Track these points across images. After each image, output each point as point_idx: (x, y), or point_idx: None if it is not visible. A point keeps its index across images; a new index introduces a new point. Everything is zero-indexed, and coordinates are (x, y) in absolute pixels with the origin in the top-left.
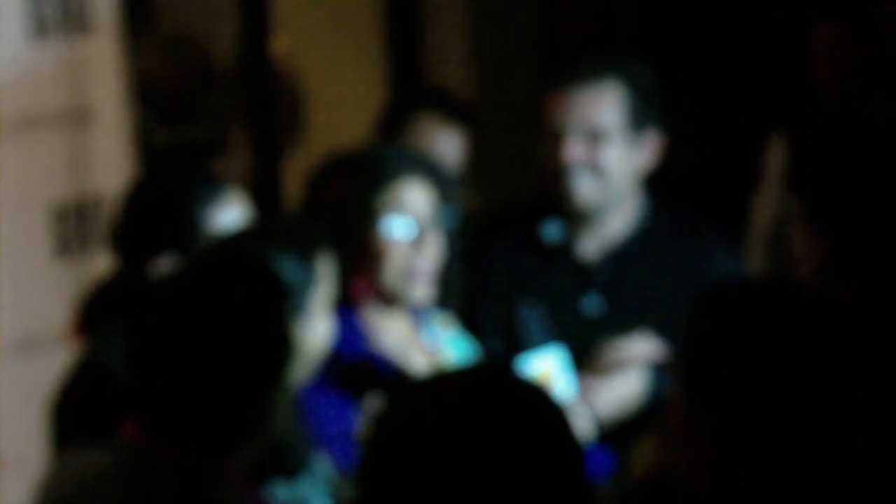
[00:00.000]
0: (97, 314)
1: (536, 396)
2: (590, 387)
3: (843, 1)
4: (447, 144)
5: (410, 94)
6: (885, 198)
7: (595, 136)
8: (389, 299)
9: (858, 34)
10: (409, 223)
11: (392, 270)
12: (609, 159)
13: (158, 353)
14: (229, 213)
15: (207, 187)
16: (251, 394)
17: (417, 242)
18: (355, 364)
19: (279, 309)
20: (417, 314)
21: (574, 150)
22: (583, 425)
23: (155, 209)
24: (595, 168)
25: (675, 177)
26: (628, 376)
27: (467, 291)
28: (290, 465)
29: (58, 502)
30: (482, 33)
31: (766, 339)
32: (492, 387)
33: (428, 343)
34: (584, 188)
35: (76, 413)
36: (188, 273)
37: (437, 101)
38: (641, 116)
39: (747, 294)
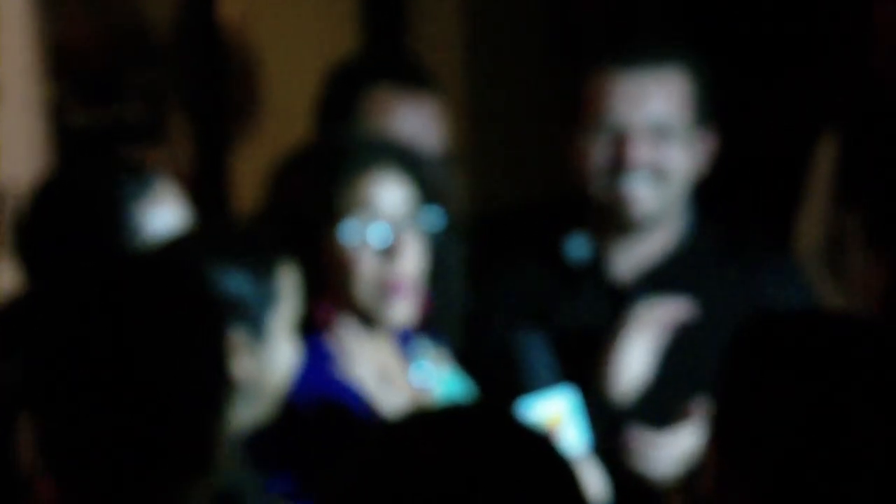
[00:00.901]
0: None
1: (539, 447)
2: (647, 441)
3: None
4: (414, 121)
5: (354, 66)
6: None
7: (661, 133)
8: (364, 320)
9: None
10: (380, 226)
11: (361, 284)
12: (675, 161)
13: (70, 389)
14: (162, 213)
15: (135, 180)
16: (187, 430)
17: (391, 249)
18: (315, 403)
19: (219, 329)
20: (405, 343)
21: (639, 150)
22: (594, 483)
23: (69, 206)
24: (659, 171)
25: (715, 184)
26: (690, 429)
27: (469, 316)
28: None
29: None
30: (481, 12)
31: (819, 386)
32: (484, 433)
33: (414, 379)
34: (646, 195)
35: None
36: (108, 288)
37: (388, 69)
38: (704, 111)
39: (797, 330)
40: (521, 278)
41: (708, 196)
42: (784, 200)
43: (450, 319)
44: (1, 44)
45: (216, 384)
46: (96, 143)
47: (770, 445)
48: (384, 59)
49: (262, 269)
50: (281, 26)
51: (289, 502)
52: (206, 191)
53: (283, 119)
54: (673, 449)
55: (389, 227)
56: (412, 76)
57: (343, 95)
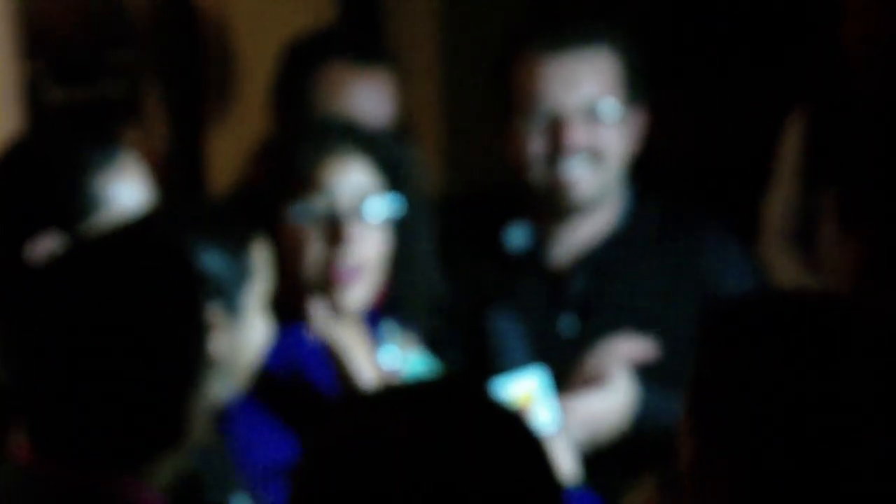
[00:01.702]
0: None
1: (510, 422)
2: (564, 407)
3: None
4: (366, 97)
5: (306, 43)
6: None
7: (595, 115)
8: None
9: None
10: (329, 210)
11: (307, 268)
12: (611, 143)
13: (46, 356)
14: (125, 186)
15: (101, 151)
16: (161, 403)
17: (338, 235)
18: (287, 379)
19: (196, 304)
20: (372, 326)
21: (576, 134)
22: (566, 462)
23: (32, 176)
24: (596, 154)
25: (668, 166)
26: (611, 388)
27: (444, 301)
28: (207, 501)
29: None
30: None
31: (794, 364)
32: (454, 407)
33: (384, 362)
34: (585, 179)
35: None
36: (82, 259)
37: (340, 45)
38: (635, 89)
39: (768, 310)
40: (461, 267)
41: (679, 179)
42: (753, 180)
43: (418, 303)
44: None
45: (193, 359)
46: (73, 121)
47: (745, 424)
48: (336, 35)
49: (236, 246)
50: (257, 7)
51: (251, 483)
52: (181, 170)
53: (258, 100)
54: (579, 413)
55: (339, 212)
56: (364, 51)
57: (296, 74)
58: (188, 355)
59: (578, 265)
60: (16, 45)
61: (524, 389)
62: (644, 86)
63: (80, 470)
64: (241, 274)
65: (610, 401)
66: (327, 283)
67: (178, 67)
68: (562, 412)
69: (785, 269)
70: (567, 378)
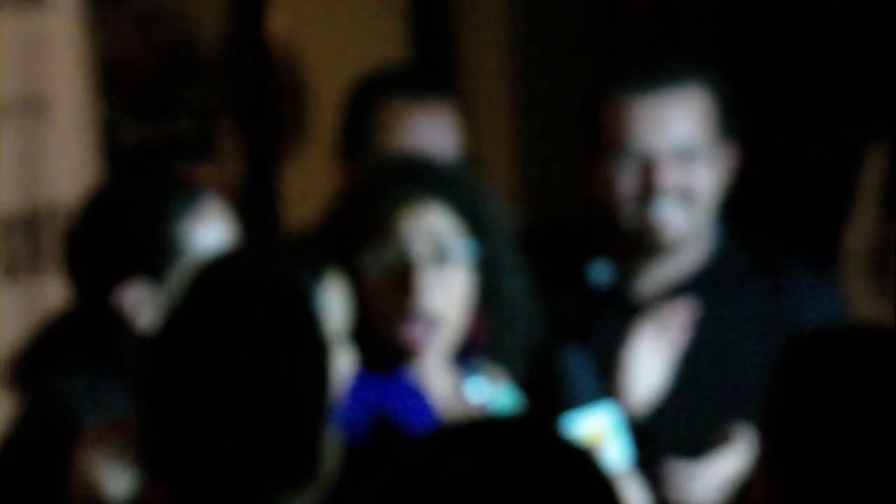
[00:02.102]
0: (46, 356)
1: (579, 462)
2: (686, 472)
3: None
4: (427, 132)
5: (368, 80)
6: None
7: (687, 156)
8: (392, 359)
9: None
10: (397, 256)
11: (378, 316)
12: (702, 182)
13: (183, 403)
14: (209, 230)
15: (184, 197)
16: (296, 446)
17: (408, 282)
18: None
19: (320, 337)
20: (463, 363)
21: (667, 175)
22: (637, 500)
23: (119, 223)
24: (688, 194)
25: (752, 199)
26: (732, 454)
27: (539, 337)
28: None
29: None
30: (527, 12)
31: (873, 402)
32: (522, 446)
33: (471, 396)
34: (677, 220)
35: (20, 479)
36: (202, 302)
37: (401, 81)
38: (726, 126)
39: (849, 345)
40: (548, 303)
41: (754, 210)
42: (833, 211)
43: (513, 344)
44: (53, 61)
45: (322, 393)
46: (148, 159)
47: (825, 468)
48: (399, 70)
49: (308, 280)
50: (329, 41)
51: None
52: (255, 207)
53: (332, 135)
54: (711, 478)
55: (412, 261)
56: (425, 85)
57: (358, 111)
58: (318, 390)
59: (666, 297)
60: (92, 83)
61: (595, 427)
62: (735, 121)
63: None
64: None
65: (732, 468)
66: (402, 348)
67: (251, 103)
68: (672, 479)
69: (864, 300)
70: (654, 415)
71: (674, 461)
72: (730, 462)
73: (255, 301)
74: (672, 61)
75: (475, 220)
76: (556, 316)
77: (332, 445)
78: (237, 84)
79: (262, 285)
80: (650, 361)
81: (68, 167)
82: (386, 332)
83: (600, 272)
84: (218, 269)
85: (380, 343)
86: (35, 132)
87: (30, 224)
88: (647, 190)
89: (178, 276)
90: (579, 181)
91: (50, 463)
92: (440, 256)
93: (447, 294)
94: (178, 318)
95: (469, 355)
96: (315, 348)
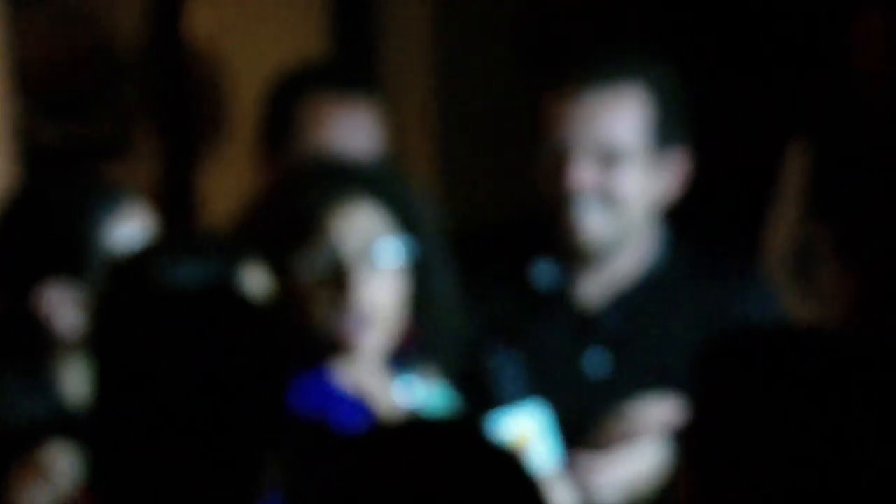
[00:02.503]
0: None
1: (508, 464)
2: (589, 466)
3: None
4: (349, 127)
5: (288, 77)
6: None
7: (611, 157)
8: (323, 354)
9: None
10: (328, 256)
11: (316, 317)
12: (626, 187)
13: (115, 408)
14: (131, 231)
15: (105, 197)
16: (237, 466)
17: (344, 282)
18: (314, 421)
19: (266, 334)
20: (396, 364)
21: (582, 174)
22: (564, 499)
23: (38, 223)
24: (608, 197)
25: (691, 200)
26: (639, 452)
27: (469, 335)
28: None
29: None
30: (450, 20)
31: (789, 403)
32: (453, 448)
33: (400, 397)
34: (593, 222)
35: None
36: (125, 304)
37: (323, 76)
38: (668, 132)
39: (764, 345)
40: (487, 302)
41: (679, 208)
42: (755, 209)
43: (442, 343)
44: None
45: (275, 386)
46: (65, 159)
47: (743, 466)
48: (320, 67)
49: (223, 270)
50: (247, 39)
51: None
52: (173, 207)
53: (252, 135)
54: (616, 473)
55: (344, 261)
56: (347, 81)
57: (278, 107)
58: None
59: (611, 305)
60: (8, 82)
61: (523, 427)
62: (684, 129)
63: None
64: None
65: (644, 462)
66: (344, 331)
67: (169, 103)
68: (584, 468)
69: (784, 302)
70: (593, 418)
71: (580, 452)
72: (639, 457)
73: (178, 299)
74: (615, 59)
75: (405, 220)
76: (496, 316)
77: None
78: (155, 83)
79: (184, 283)
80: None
81: None
82: (319, 331)
83: (544, 273)
84: (138, 267)
85: (311, 342)
86: None
87: None
88: (566, 188)
89: (99, 277)
90: (501, 178)
91: None
92: (371, 256)
93: (380, 292)
94: (102, 322)
95: (403, 356)
96: (244, 337)
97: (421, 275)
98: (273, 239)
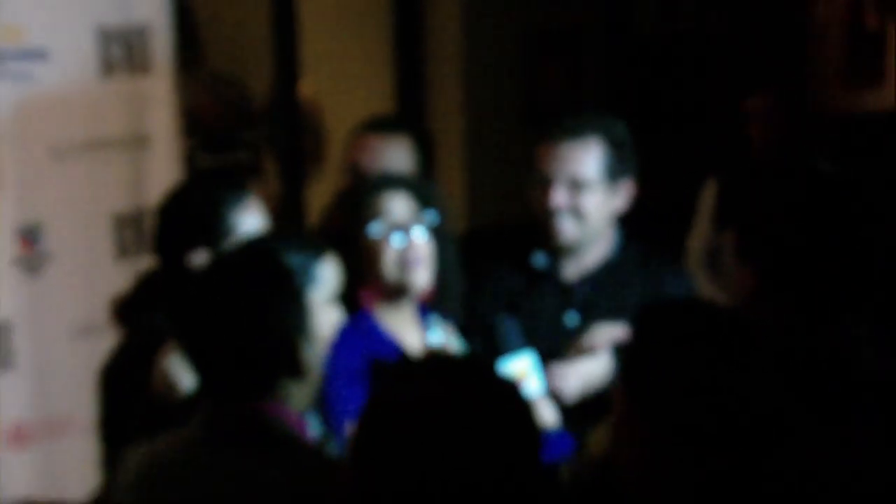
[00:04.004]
0: (137, 303)
1: (506, 388)
2: (559, 372)
3: (775, 74)
4: (391, 157)
5: (358, 126)
6: (806, 234)
7: (578, 186)
8: (393, 292)
9: (786, 102)
10: (390, 224)
11: (388, 264)
12: (589, 205)
13: (205, 328)
14: (252, 217)
15: (233, 193)
16: (280, 348)
17: (404, 237)
18: (365, 360)
19: (292, 286)
20: (423, 315)
21: (560, 197)
22: (548, 416)
23: (189, 209)
24: (577, 212)
25: (637, 213)
26: (594, 358)
27: (465, 299)
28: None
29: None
30: (475, 80)
31: (691, 351)
32: (470, 376)
33: (430, 340)
34: (567, 229)
35: (123, 380)
36: (218, 266)
37: (376, 124)
38: (617, 168)
39: (679, 313)
40: (500, 279)
41: (629, 217)
42: (681, 221)
43: (450, 301)
44: (153, 110)
45: (298, 313)
46: (216, 175)
47: (659, 390)
48: (375, 118)
49: (308, 258)
50: (340, 98)
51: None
52: (288, 214)
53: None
54: (577, 376)
55: (396, 225)
56: (390, 126)
57: (349, 143)
58: (294, 311)
59: (582, 280)
60: (178, 126)
61: (520, 366)
62: (629, 165)
63: (235, 398)
64: (309, 276)
65: (596, 366)
66: (404, 270)
67: (286, 141)
68: (550, 379)
69: (701, 287)
70: (568, 351)
71: (553, 364)
72: (593, 364)
73: (245, 262)
74: (582, 120)
75: (427, 202)
76: (508, 289)
77: (315, 358)
78: (277, 127)
79: (252, 255)
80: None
81: (162, 183)
82: (388, 274)
83: (539, 260)
84: (253, 247)
85: (379, 286)
86: (141, 158)
87: (136, 221)
88: (548, 207)
89: (229, 248)
90: (511, 197)
91: (142, 370)
92: (412, 223)
93: (424, 249)
94: (203, 276)
95: (425, 311)
96: (290, 292)
97: (438, 249)
98: (348, 221)
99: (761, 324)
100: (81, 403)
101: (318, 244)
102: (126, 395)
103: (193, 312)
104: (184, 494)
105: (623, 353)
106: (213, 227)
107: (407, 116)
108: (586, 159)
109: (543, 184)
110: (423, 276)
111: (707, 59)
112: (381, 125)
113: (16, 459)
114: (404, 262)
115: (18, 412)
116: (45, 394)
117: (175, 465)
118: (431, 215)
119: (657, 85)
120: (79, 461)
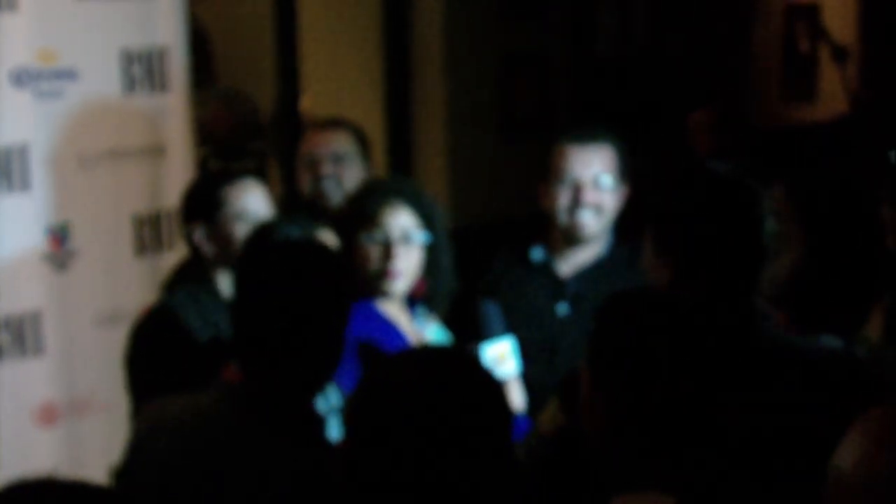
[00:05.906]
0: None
1: (482, 374)
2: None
3: (714, 92)
4: (334, 145)
5: None
6: (709, 228)
7: (600, 185)
8: (371, 292)
9: (724, 117)
10: (381, 236)
11: (370, 270)
12: (608, 203)
13: (257, 316)
14: (251, 196)
15: (231, 176)
16: (326, 343)
17: (387, 251)
18: (365, 340)
19: (342, 280)
20: (411, 307)
21: (588, 195)
22: (517, 398)
23: (187, 191)
24: (599, 209)
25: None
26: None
27: (456, 296)
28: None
29: (176, 430)
30: (456, 96)
31: (641, 329)
32: (451, 362)
33: (416, 328)
34: (591, 224)
35: (151, 359)
36: (267, 254)
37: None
38: (623, 172)
39: (636, 303)
40: (498, 270)
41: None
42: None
43: (441, 296)
44: (170, 123)
45: (344, 312)
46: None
47: (617, 366)
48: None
49: (308, 230)
50: (337, 111)
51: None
52: (289, 205)
53: None
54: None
55: (390, 240)
56: (331, 123)
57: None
58: (342, 314)
59: (574, 276)
60: (191, 137)
61: (500, 349)
62: (628, 170)
63: (277, 388)
64: None
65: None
66: (383, 278)
67: (288, 151)
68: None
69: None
70: (559, 341)
71: (545, 348)
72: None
73: (297, 253)
74: (597, 127)
75: (427, 218)
76: (508, 280)
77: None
78: (280, 138)
79: (296, 244)
80: None
81: (178, 186)
82: (373, 278)
83: (537, 254)
84: (265, 229)
85: (367, 285)
86: (159, 165)
87: (154, 220)
88: (576, 203)
89: (245, 236)
90: (488, 198)
91: (169, 355)
92: (406, 239)
93: (408, 261)
94: (246, 263)
95: (414, 303)
96: (339, 290)
97: (432, 251)
98: (349, 223)
99: (684, 308)
100: (103, 386)
101: (317, 223)
102: (164, 378)
103: (242, 303)
104: (217, 478)
105: (589, 339)
106: (205, 199)
107: (395, 126)
108: (608, 161)
109: (566, 184)
110: (399, 286)
111: (658, 77)
112: (325, 123)
113: (44, 436)
114: (382, 273)
115: (47, 392)
116: (71, 376)
117: (208, 442)
118: (428, 228)
119: (615, 100)
120: (100, 439)
